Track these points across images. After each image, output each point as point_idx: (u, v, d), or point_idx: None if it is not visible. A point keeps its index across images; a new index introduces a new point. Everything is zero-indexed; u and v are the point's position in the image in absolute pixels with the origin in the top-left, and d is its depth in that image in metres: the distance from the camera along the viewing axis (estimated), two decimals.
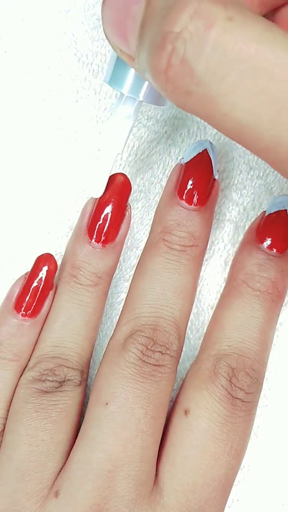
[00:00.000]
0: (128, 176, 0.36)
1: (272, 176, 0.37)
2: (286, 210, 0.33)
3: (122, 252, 0.36)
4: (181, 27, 0.20)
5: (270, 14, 0.27)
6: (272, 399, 0.36)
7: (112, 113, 0.30)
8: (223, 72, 0.20)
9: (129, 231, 0.36)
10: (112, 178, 0.33)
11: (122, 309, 0.33)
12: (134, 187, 0.37)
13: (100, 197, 0.33)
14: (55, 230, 0.36)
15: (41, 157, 0.36)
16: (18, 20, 0.36)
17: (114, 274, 0.35)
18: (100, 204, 0.33)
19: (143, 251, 0.34)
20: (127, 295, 0.33)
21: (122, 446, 0.30)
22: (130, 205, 0.34)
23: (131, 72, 0.28)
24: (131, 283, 0.34)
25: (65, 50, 0.36)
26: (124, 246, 0.36)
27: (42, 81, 0.36)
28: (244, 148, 0.36)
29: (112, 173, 0.32)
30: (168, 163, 0.37)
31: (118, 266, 0.36)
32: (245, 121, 0.20)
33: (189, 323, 0.35)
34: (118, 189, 0.33)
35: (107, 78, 0.29)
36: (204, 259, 0.36)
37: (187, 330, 0.35)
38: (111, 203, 0.33)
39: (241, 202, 0.37)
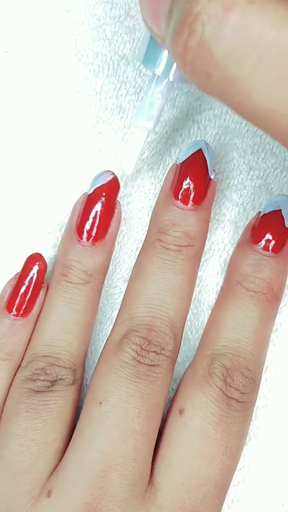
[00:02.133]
0: (128, 177, 0.36)
1: (272, 176, 0.36)
2: (281, 210, 0.33)
3: (121, 253, 0.36)
4: (199, 9, 0.20)
5: None
6: (272, 400, 0.36)
7: (144, 92, 0.31)
8: (241, 56, 0.20)
9: (128, 232, 0.36)
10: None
11: (119, 309, 0.33)
12: (134, 188, 0.37)
13: (88, 196, 0.33)
14: (55, 230, 0.36)
15: (41, 157, 0.36)
16: (18, 20, 0.36)
17: (114, 275, 0.35)
18: (88, 202, 0.33)
19: (140, 251, 0.34)
20: (124, 295, 0.33)
21: (115, 445, 0.30)
22: (119, 202, 0.34)
23: (164, 52, 0.29)
24: (128, 283, 0.34)
25: (65, 50, 0.37)
26: (124, 247, 0.36)
27: (42, 81, 0.37)
28: (244, 148, 0.36)
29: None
30: (168, 163, 0.37)
31: (117, 267, 0.36)
32: (263, 105, 0.20)
33: (188, 324, 0.35)
34: (107, 186, 0.33)
35: (140, 57, 0.29)
36: (204, 259, 0.36)
37: (186, 330, 0.35)
38: (100, 201, 0.33)
39: (241, 203, 0.37)
